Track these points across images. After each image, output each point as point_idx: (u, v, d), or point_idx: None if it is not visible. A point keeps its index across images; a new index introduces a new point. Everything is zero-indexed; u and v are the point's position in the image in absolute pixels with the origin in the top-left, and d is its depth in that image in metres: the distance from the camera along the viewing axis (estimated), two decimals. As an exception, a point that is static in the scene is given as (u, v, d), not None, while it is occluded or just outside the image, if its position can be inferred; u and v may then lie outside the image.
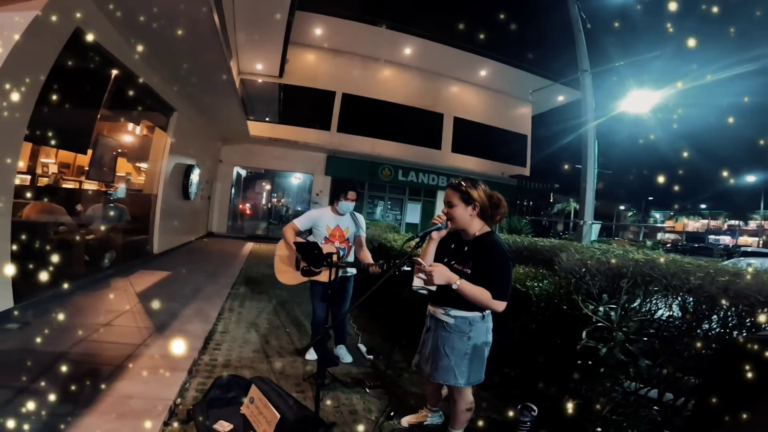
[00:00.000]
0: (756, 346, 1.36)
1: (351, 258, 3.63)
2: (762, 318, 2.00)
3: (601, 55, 11.65)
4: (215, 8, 5.60)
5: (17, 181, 4.26)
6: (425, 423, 2.71)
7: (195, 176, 10.27)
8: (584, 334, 2.30)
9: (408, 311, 4.05)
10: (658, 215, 51.32)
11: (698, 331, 2.26)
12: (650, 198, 47.55)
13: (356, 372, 3.54)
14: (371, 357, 3.88)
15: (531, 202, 20.42)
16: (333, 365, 3.53)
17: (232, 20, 10.81)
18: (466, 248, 2.22)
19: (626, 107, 10.64)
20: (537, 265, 3.70)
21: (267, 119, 16.76)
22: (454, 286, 2.02)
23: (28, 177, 6.77)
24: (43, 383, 2.62)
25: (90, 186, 7.88)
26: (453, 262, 2.20)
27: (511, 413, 2.60)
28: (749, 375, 1.34)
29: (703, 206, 46.11)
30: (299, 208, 17.74)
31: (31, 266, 4.07)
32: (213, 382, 2.82)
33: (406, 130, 17.66)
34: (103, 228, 6.33)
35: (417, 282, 2.08)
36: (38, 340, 3.35)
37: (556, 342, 2.72)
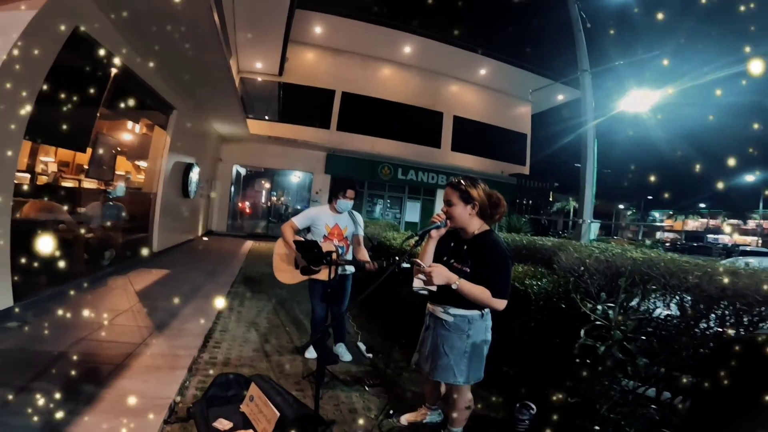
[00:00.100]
0: (753, 345, 1.36)
1: (349, 256, 3.64)
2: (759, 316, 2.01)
3: (600, 54, 11.66)
4: (215, 7, 5.59)
5: (16, 180, 4.25)
6: (424, 421, 2.72)
7: (194, 174, 10.26)
8: (582, 332, 2.31)
9: (407, 310, 4.05)
10: (657, 214, 51.40)
11: (696, 330, 2.27)
12: (649, 197, 47.62)
13: (356, 370, 3.55)
14: (370, 355, 3.89)
15: (530, 201, 20.43)
16: (332, 363, 3.54)
17: (231, 19, 10.79)
18: (465, 247, 2.23)
19: (626, 106, 10.65)
20: (536, 263, 3.71)
21: (266, 118, 16.74)
22: (454, 286, 2.03)
23: (28, 175, 6.76)
24: (43, 382, 2.63)
25: (89, 184, 7.87)
26: (452, 261, 2.21)
27: (509, 412, 2.61)
28: (745, 373, 1.35)
29: (702, 205, 46.20)
30: (299, 207, 17.74)
31: (30, 265, 4.07)
32: (212, 380, 2.83)
33: (406, 129, 17.65)
34: (99, 226, 6.32)
35: (417, 283, 2.09)
36: (38, 338, 3.37)
37: (555, 341, 2.73)
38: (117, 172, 8.89)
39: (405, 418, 2.72)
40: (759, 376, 1.30)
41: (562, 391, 2.63)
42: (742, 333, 2.06)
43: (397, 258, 2.44)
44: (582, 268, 2.68)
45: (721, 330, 2.21)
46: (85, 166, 7.84)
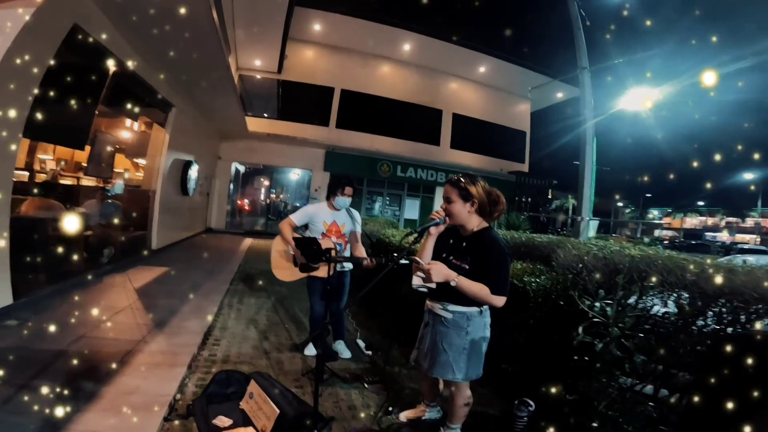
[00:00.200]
0: (749, 343, 1.38)
1: (347, 253, 3.65)
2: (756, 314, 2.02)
3: (600, 52, 11.64)
4: (214, 4, 5.58)
5: (15, 178, 4.25)
6: (423, 418, 2.73)
7: (193, 172, 10.25)
8: (581, 329, 2.32)
9: (406, 307, 4.06)
10: (655, 212, 51.45)
11: (693, 327, 2.28)
12: (648, 195, 47.64)
13: (355, 367, 3.56)
14: (370, 352, 3.91)
15: (529, 199, 20.44)
16: (332, 360, 3.55)
17: (230, 16, 10.76)
18: (464, 244, 2.24)
19: (625, 105, 10.65)
20: (534, 260, 3.71)
21: (266, 115, 16.72)
22: (453, 283, 2.04)
23: (26, 173, 6.75)
24: (43, 379, 2.63)
25: (88, 182, 7.87)
26: (451, 258, 2.22)
27: (508, 408, 2.62)
28: (742, 371, 1.36)
29: (700, 203, 46.25)
30: (298, 204, 17.73)
31: (29, 263, 4.08)
32: (212, 377, 2.84)
33: (405, 126, 17.63)
34: (97, 224, 6.31)
35: (416, 280, 2.10)
36: (38, 336, 3.37)
37: (554, 338, 2.74)
38: (116, 170, 8.89)
39: (404, 415, 2.74)
40: (754, 373, 1.31)
41: (561, 388, 2.65)
42: (739, 330, 2.07)
43: (395, 255, 2.44)
44: (580, 266, 2.69)
45: (718, 327, 2.22)
46: (84, 164, 7.84)
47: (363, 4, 14.94)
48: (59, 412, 2.26)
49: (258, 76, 16.05)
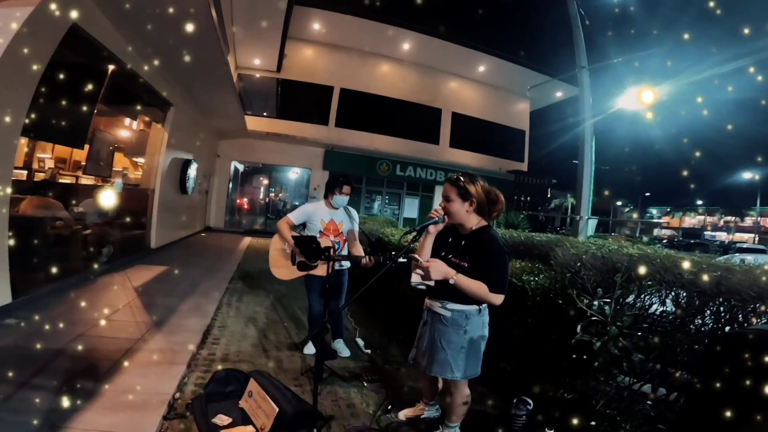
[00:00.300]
0: (745, 341, 1.38)
1: (345, 252, 3.65)
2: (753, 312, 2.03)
3: (599, 52, 11.65)
4: (213, 3, 5.57)
5: (14, 177, 4.24)
6: (422, 416, 2.74)
7: (192, 171, 10.24)
8: (579, 328, 2.33)
9: (405, 305, 4.07)
10: (654, 211, 51.55)
11: (691, 326, 2.29)
12: (647, 194, 47.74)
13: (354, 366, 3.56)
14: (369, 351, 3.91)
15: (528, 198, 20.47)
16: (331, 359, 3.56)
17: (229, 14, 10.74)
18: (463, 242, 2.24)
19: (624, 104, 10.65)
20: (533, 259, 3.72)
21: (265, 114, 16.71)
22: (451, 281, 2.05)
23: (25, 172, 6.74)
24: (42, 378, 2.64)
25: (87, 181, 7.86)
26: (450, 256, 2.22)
27: (506, 407, 2.63)
28: (738, 369, 1.37)
29: (699, 202, 46.36)
30: (297, 203, 17.72)
31: (28, 262, 4.07)
32: (211, 376, 2.85)
33: (404, 125, 17.63)
34: (95, 223, 6.31)
35: (415, 277, 2.11)
36: (37, 335, 3.37)
37: (552, 336, 2.75)
38: (114, 169, 8.88)
39: (403, 414, 2.74)
40: (752, 372, 1.31)
41: (559, 387, 2.65)
42: (736, 328, 2.08)
43: (393, 253, 2.45)
44: (579, 264, 2.69)
45: (715, 326, 2.23)
46: (83, 163, 7.83)
47: (362, 2, 14.92)
48: (58, 410, 2.27)
49: (257, 75, 16.04)
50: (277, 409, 2.31)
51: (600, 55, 11.47)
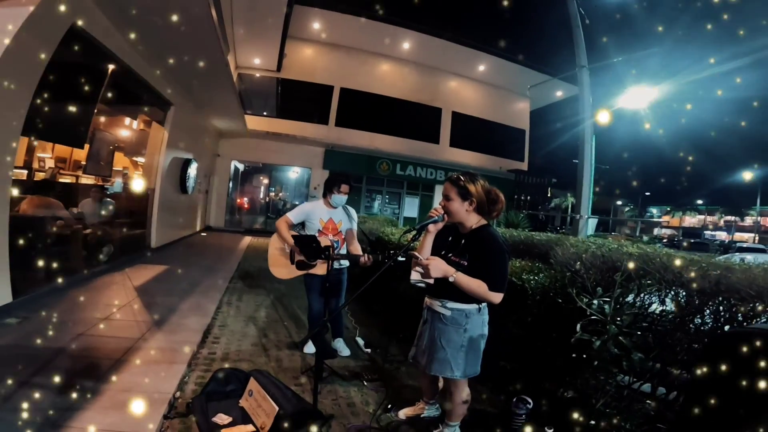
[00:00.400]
0: (742, 339, 1.38)
1: (344, 251, 3.65)
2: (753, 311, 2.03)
3: (599, 51, 11.65)
4: (213, 3, 5.57)
5: (14, 176, 4.25)
6: (422, 416, 2.74)
7: (192, 170, 10.25)
8: (578, 327, 2.33)
9: (405, 304, 4.07)
10: (654, 210, 51.56)
11: (690, 325, 2.29)
12: (647, 193, 47.76)
13: (354, 365, 3.57)
14: (369, 350, 3.92)
15: (528, 197, 20.49)
16: (331, 358, 3.56)
17: (229, 14, 10.74)
18: (463, 241, 2.25)
19: (624, 103, 10.65)
20: (533, 258, 3.73)
21: (265, 113, 16.73)
22: (451, 279, 2.05)
23: (25, 172, 6.75)
24: (42, 377, 2.64)
25: (87, 180, 7.86)
26: (450, 255, 2.23)
27: (506, 406, 2.63)
28: (735, 369, 1.37)
29: (699, 202, 46.36)
30: (297, 202, 17.73)
31: (29, 261, 4.08)
32: (212, 375, 2.85)
33: (405, 125, 17.65)
34: (94, 222, 6.31)
35: (414, 275, 2.12)
36: (37, 334, 3.37)
37: (552, 335, 2.75)
38: (114, 168, 8.88)
39: (403, 413, 2.75)
40: (751, 371, 1.31)
41: (559, 386, 2.66)
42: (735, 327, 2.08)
43: (392, 252, 2.45)
44: (578, 263, 2.69)
45: (715, 325, 2.23)
46: (83, 163, 7.83)
47: (362, 2, 14.95)
48: (59, 409, 2.27)
49: (257, 75, 16.06)
50: (277, 408, 2.32)
51: (600, 55, 11.47)
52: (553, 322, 2.75)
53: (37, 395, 2.38)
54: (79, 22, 4.51)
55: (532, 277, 3.03)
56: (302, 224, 3.68)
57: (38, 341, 3.24)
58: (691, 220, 47.26)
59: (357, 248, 3.64)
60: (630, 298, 2.41)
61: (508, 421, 2.58)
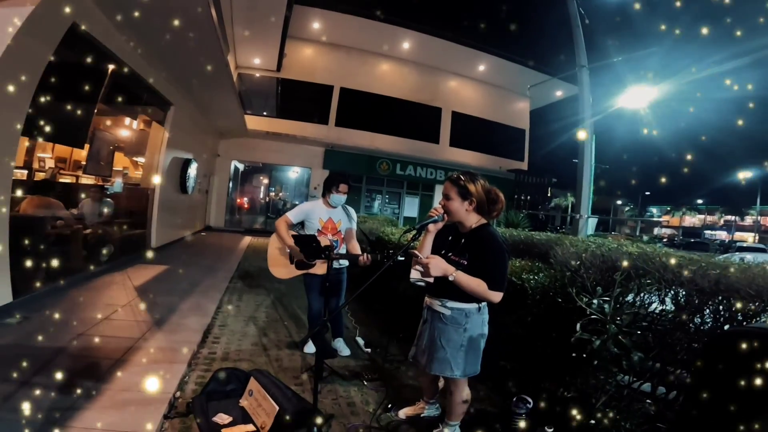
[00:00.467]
0: (741, 338, 1.39)
1: (343, 250, 3.65)
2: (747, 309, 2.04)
3: (599, 50, 11.65)
4: (213, 3, 5.57)
5: (14, 176, 4.25)
6: (422, 415, 2.74)
7: (192, 170, 10.25)
8: (578, 326, 2.33)
9: (405, 304, 4.08)
10: (654, 210, 51.56)
11: (690, 324, 2.29)
12: (647, 193, 47.76)
13: (354, 365, 3.57)
14: (369, 350, 3.92)
15: (528, 197, 20.50)
16: (331, 358, 3.57)
17: (229, 14, 10.74)
18: (462, 240, 2.25)
19: (624, 103, 10.65)
20: (533, 258, 3.73)
21: (265, 113, 16.73)
22: (451, 278, 2.05)
23: (25, 172, 6.75)
24: (43, 377, 2.64)
25: (87, 180, 7.86)
26: (450, 254, 2.23)
27: (506, 405, 2.64)
28: (737, 367, 1.37)
29: (699, 202, 46.36)
30: (297, 202, 17.73)
31: (29, 261, 4.08)
32: (212, 375, 2.85)
33: (404, 125, 17.65)
34: (94, 222, 6.31)
35: (414, 274, 2.12)
36: (37, 334, 3.37)
37: (552, 335, 2.75)
38: (115, 168, 8.88)
39: (403, 412, 2.75)
40: (750, 370, 1.32)
41: (559, 385, 2.66)
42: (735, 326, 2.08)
43: (392, 252, 2.45)
44: (578, 263, 2.70)
45: (715, 324, 2.23)
46: (83, 162, 7.83)
47: (362, 2, 14.95)
48: (59, 409, 2.27)
49: (257, 75, 16.06)
50: (277, 408, 2.32)
51: (600, 54, 11.48)
52: (552, 322, 2.75)
53: (37, 395, 2.38)
54: (79, 22, 4.51)
55: (531, 277, 3.03)
56: (302, 224, 3.68)
57: (39, 341, 3.24)
58: (691, 219, 47.26)
59: (356, 248, 3.64)
60: (630, 297, 2.42)
61: (508, 421, 2.58)
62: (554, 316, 2.74)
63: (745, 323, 2.10)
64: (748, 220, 41.12)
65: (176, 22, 5.32)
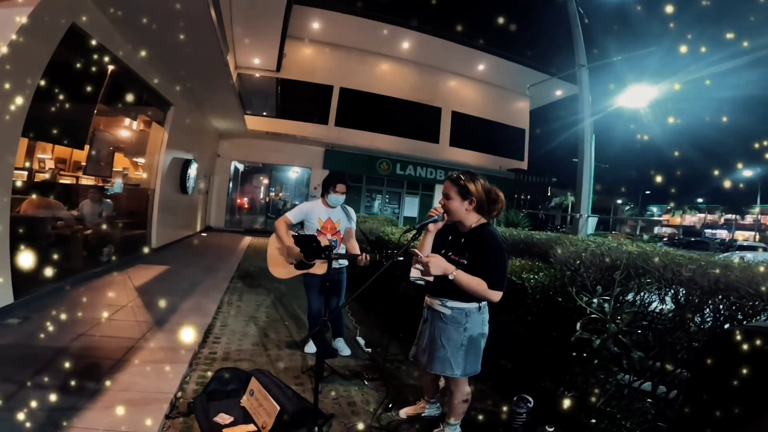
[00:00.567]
0: (740, 338, 1.39)
1: (342, 250, 3.65)
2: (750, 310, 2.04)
3: (598, 50, 11.65)
4: (212, 3, 5.57)
5: (14, 177, 4.25)
6: (423, 414, 2.74)
7: (192, 171, 10.25)
8: (578, 325, 2.33)
9: (405, 304, 4.08)
10: (654, 209, 51.54)
11: (690, 323, 2.29)
12: (647, 192, 47.74)
13: (354, 364, 3.57)
14: (369, 350, 3.92)
15: (528, 196, 20.49)
16: (331, 357, 3.57)
17: (228, 14, 10.73)
18: (462, 239, 2.25)
19: (624, 102, 10.66)
20: (533, 257, 3.73)
21: (265, 113, 16.72)
22: (451, 277, 2.06)
23: (25, 173, 6.76)
24: (44, 377, 2.65)
25: (87, 181, 7.87)
26: (450, 253, 2.24)
27: (507, 405, 2.64)
28: (733, 367, 1.37)
29: (699, 200, 46.35)
30: (297, 202, 17.72)
31: (30, 262, 4.09)
32: (213, 375, 2.85)
33: (404, 124, 17.64)
34: (94, 223, 6.32)
35: (414, 273, 2.12)
36: (39, 334, 3.38)
37: (552, 334, 2.75)
38: (115, 169, 8.89)
39: (404, 412, 2.75)
40: (750, 369, 1.32)
41: (559, 385, 2.66)
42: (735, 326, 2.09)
43: (391, 251, 2.45)
44: (578, 262, 2.70)
45: (715, 323, 2.24)
46: (83, 163, 7.84)
47: (362, 2, 14.93)
48: (60, 409, 2.28)
49: (257, 75, 16.04)
50: (278, 408, 2.32)
51: (599, 54, 11.48)
52: (553, 321, 2.76)
53: (38, 395, 2.38)
54: (79, 23, 4.52)
55: (532, 276, 3.04)
56: (301, 224, 3.68)
57: (39, 341, 3.25)
58: (691, 218, 47.23)
59: (355, 248, 3.64)
60: (630, 296, 2.42)
61: (508, 420, 2.58)
62: (554, 315, 2.74)
63: (745, 322, 2.10)
64: (749, 219, 41.10)
65: (176, 23, 5.32)
